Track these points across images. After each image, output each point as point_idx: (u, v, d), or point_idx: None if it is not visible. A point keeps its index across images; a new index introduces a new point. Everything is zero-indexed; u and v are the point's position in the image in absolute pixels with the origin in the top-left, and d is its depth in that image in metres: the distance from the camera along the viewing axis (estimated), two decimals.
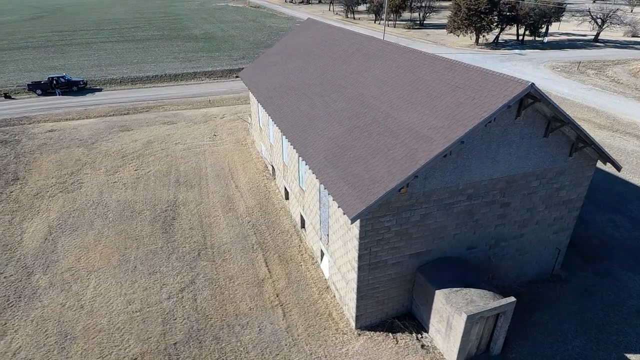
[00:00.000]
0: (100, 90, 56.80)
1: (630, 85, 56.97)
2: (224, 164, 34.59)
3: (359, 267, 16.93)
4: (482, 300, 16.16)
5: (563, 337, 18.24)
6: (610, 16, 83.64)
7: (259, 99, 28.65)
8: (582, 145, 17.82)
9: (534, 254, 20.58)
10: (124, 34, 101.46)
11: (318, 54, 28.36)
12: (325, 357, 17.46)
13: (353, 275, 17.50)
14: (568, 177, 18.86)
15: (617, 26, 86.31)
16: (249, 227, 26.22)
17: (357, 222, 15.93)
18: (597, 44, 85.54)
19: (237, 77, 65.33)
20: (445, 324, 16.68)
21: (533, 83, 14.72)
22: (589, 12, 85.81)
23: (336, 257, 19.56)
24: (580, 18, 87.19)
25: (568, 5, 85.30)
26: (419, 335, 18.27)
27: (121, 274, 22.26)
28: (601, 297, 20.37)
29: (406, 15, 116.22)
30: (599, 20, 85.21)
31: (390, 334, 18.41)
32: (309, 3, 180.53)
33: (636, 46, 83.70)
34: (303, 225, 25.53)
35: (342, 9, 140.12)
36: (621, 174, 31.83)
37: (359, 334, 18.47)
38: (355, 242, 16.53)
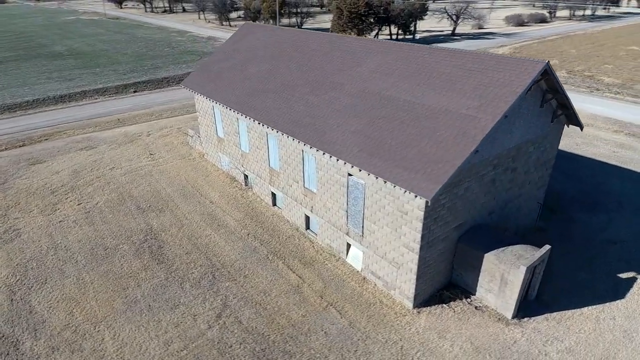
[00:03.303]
0: None
1: None
2: (183, 182, 31.99)
3: (421, 247, 17.84)
4: (527, 253, 18.47)
5: (568, 273, 21.68)
6: (462, 12, 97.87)
7: (232, 106, 27.32)
8: (561, 112, 21.43)
9: (525, 210, 23.93)
10: None
11: (286, 55, 28.17)
12: (401, 340, 18.00)
13: (411, 257, 18.33)
14: (549, 141, 22.45)
15: (469, 20, 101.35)
16: (251, 239, 25.00)
17: (421, 204, 16.82)
18: (455, 37, 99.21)
19: (134, 92, 60.03)
20: (499, 282, 18.60)
21: (548, 61, 17.41)
22: (445, 10, 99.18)
23: (377, 246, 20.11)
24: (439, 15, 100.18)
25: (430, 5, 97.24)
26: (468, 300, 19.96)
27: (137, 317, 19.46)
28: (577, 237, 24.58)
29: (285, 21, 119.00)
30: (454, 17, 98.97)
31: (444, 305, 19.73)
32: (173, 12, 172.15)
33: (485, 36, 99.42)
34: (308, 227, 25.33)
35: (215, 17, 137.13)
36: None
37: (418, 312, 19.40)
38: (418, 224, 17.39)
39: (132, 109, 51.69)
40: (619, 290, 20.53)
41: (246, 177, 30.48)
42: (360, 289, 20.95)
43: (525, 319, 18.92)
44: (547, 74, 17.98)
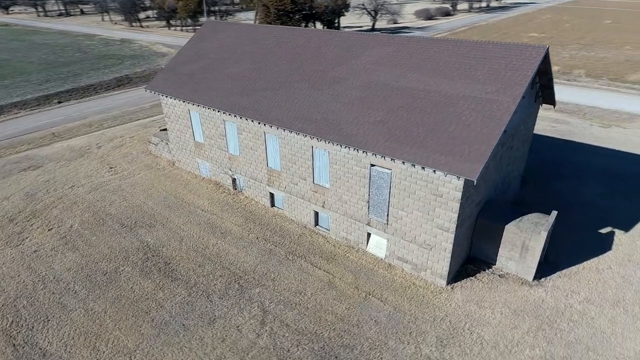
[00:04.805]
0: None
1: None
2: (162, 193, 29.92)
3: (457, 226, 18.92)
4: (541, 220, 20.49)
5: (561, 234, 24.29)
6: (379, 8, 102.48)
7: (217, 107, 26.15)
8: (542, 93, 23.90)
9: (513, 183, 26.32)
10: None
11: (270, 52, 27.55)
12: (447, 315, 18.99)
13: (446, 237, 19.34)
14: (532, 119, 24.93)
15: (386, 16, 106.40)
16: (262, 242, 24.33)
17: (459, 185, 17.86)
18: (375, 32, 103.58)
19: (59, 102, 54.21)
20: (520, 249, 20.39)
21: (548, 46, 19.39)
22: (364, 6, 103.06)
23: (405, 231, 20.85)
24: (359, 12, 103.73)
25: (351, 2, 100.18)
26: (490, 270, 21.58)
27: (174, 338, 18.11)
28: (556, 202, 27.41)
29: (203, 19, 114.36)
30: (372, 13, 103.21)
31: (471, 278, 21.12)
32: (70, 15, 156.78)
33: (401, 30, 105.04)
34: (317, 223, 25.31)
35: (122, 18, 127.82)
36: None
37: (452, 288, 20.55)
38: (454, 204, 18.42)
39: (65, 121, 46.81)
40: (605, 244, 23.57)
41: (234, 180, 29.40)
42: (390, 275, 21.57)
43: (543, 279, 21.00)
44: (546, 58, 20.01)
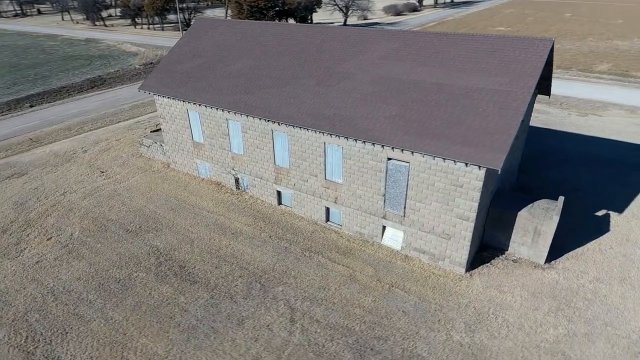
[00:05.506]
0: None
1: None
2: (162, 196, 29.16)
3: (477, 215, 19.52)
4: (550, 205, 21.43)
5: (562, 218, 25.49)
6: (350, 4, 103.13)
7: (220, 106, 25.72)
8: (540, 84, 24.89)
9: (514, 171, 27.32)
10: None
11: (271, 49, 27.28)
12: (470, 302, 19.59)
13: (466, 225, 19.91)
14: (530, 108, 25.92)
15: (357, 12, 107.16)
16: (276, 240, 24.20)
17: (480, 174, 18.44)
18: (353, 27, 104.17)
19: (31, 106, 51.72)
20: (532, 235, 21.26)
21: (554, 39, 20.23)
22: (335, 2, 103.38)
23: (423, 223, 21.30)
24: (331, 8, 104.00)
25: None
26: (503, 256, 22.38)
27: (206, 341, 17.81)
28: (550, 189, 28.79)
29: (172, 17, 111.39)
30: (344, 9, 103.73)
31: (487, 264, 21.84)
32: (27, 15, 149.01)
33: (372, 26, 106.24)
34: (328, 219, 25.42)
35: (83, 17, 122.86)
36: None
37: (471, 275, 21.19)
38: (475, 194, 19.00)
39: (41, 125, 44.71)
40: (602, 226, 24.90)
41: (237, 180, 29.02)
42: (409, 266, 21.99)
43: (553, 262, 21.99)
44: (551, 50, 20.87)
